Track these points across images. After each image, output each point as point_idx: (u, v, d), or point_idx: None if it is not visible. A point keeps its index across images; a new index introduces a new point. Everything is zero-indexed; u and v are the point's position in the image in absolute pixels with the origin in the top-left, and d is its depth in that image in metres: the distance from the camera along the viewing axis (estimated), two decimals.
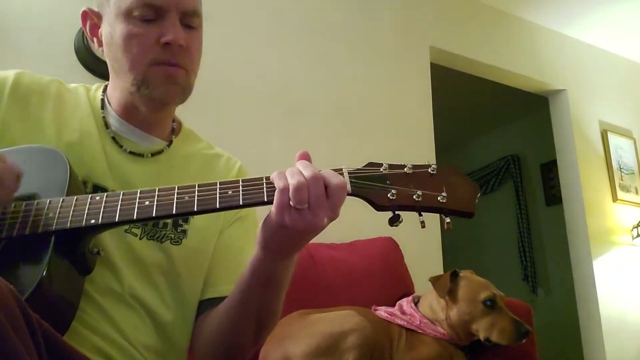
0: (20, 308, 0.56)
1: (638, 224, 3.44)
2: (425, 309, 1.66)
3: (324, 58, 2.69)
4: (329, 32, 2.75)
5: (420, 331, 1.62)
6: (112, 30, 0.91)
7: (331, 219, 0.75)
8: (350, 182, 0.78)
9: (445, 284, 1.60)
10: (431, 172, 0.80)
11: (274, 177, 0.75)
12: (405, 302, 1.72)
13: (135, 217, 0.76)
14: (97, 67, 2.08)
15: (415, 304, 1.71)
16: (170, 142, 1.01)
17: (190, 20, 0.93)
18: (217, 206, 0.76)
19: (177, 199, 0.77)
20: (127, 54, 0.90)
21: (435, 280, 1.63)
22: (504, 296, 1.62)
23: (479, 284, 1.63)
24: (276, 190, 0.73)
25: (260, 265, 0.83)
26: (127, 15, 0.89)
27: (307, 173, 0.73)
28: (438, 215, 0.79)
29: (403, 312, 1.67)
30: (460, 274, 1.65)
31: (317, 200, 0.72)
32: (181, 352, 0.97)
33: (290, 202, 0.72)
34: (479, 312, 1.56)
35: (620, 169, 3.63)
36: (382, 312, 1.68)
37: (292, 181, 0.72)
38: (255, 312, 0.89)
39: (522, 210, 4.66)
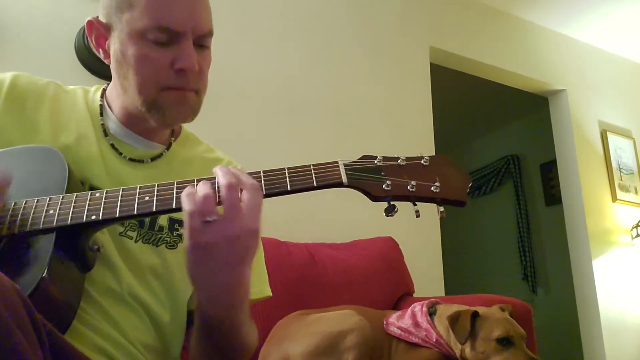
0: (25, 306, 0.56)
1: (637, 224, 3.45)
2: (442, 329, 1.56)
3: (324, 58, 2.70)
4: (329, 32, 2.75)
5: (435, 349, 1.54)
6: (122, 48, 0.89)
7: (250, 231, 0.71)
8: (346, 173, 0.79)
9: (465, 327, 1.49)
10: (424, 163, 0.81)
11: (181, 197, 0.71)
12: (420, 313, 1.60)
13: (135, 213, 0.77)
14: (97, 68, 2.08)
15: (431, 314, 1.60)
16: (169, 146, 1.01)
17: (203, 41, 0.92)
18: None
19: (176, 193, 0.77)
20: (138, 76, 0.89)
21: (453, 322, 1.52)
22: (524, 334, 1.52)
23: (495, 321, 1.52)
24: (186, 216, 0.70)
25: (200, 312, 0.80)
26: (141, 37, 0.87)
27: (220, 180, 0.71)
28: (436, 213, 0.80)
29: (417, 325, 1.58)
30: (480, 313, 1.54)
31: (230, 207, 0.70)
32: (177, 352, 0.96)
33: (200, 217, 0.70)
34: (492, 350, 1.47)
35: (620, 169, 3.63)
36: (394, 328, 1.60)
37: (199, 192, 0.70)
38: (217, 349, 0.86)
39: (522, 210, 4.66)
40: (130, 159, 0.95)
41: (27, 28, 2.08)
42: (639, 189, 3.69)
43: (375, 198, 0.79)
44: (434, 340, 1.55)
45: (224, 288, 0.76)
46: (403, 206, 0.80)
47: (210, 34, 0.93)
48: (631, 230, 3.48)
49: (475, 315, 1.53)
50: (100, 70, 2.07)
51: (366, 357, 1.47)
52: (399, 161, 0.81)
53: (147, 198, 0.77)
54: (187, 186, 0.76)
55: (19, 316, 0.55)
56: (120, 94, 0.95)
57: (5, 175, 0.76)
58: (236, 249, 0.72)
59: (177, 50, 0.88)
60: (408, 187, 0.78)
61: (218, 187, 0.72)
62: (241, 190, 0.73)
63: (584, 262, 3.32)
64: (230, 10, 2.48)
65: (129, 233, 0.91)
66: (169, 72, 0.88)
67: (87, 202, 0.78)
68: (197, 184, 0.74)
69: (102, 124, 0.96)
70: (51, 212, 0.77)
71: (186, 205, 0.70)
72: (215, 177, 0.76)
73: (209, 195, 0.70)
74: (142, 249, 0.91)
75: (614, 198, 3.53)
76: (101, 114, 0.97)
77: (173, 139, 1.02)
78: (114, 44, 0.91)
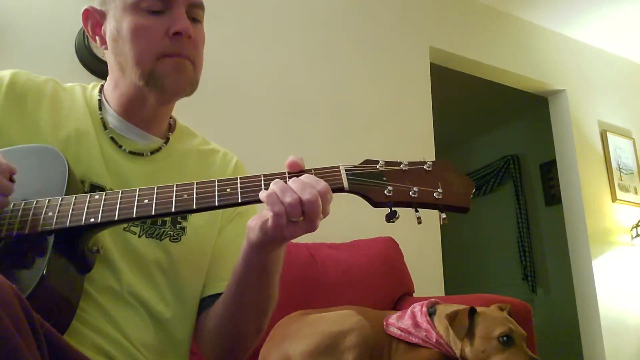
0: (22, 307, 0.56)
1: (637, 224, 3.44)
2: (442, 328, 1.55)
3: (324, 58, 2.70)
4: (329, 32, 2.75)
5: (435, 349, 1.54)
6: (118, 24, 0.91)
7: (324, 217, 0.78)
8: (348, 179, 0.79)
9: (463, 323, 1.50)
10: (427, 168, 0.81)
11: (264, 198, 0.76)
12: (420, 313, 1.60)
13: (134, 216, 0.77)
14: (97, 68, 2.08)
15: (431, 314, 1.60)
16: (167, 140, 1.01)
17: (195, 13, 0.95)
18: (216, 204, 0.77)
19: (176, 197, 0.77)
20: (134, 46, 0.90)
21: (451, 319, 1.52)
22: (525, 334, 1.52)
23: (495, 319, 1.52)
24: (272, 214, 0.75)
25: (253, 256, 0.84)
26: (135, 7, 0.90)
27: (302, 193, 0.74)
28: (437, 214, 0.80)
29: (417, 325, 1.58)
30: (478, 310, 1.54)
31: (312, 213, 0.74)
32: (182, 350, 0.97)
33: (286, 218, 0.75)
34: (493, 348, 1.47)
35: (620, 169, 3.63)
36: (394, 329, 1.60)
37: (285, 199, 0.74)
38: (254, 300, 0.91)
39: (521, 210, 4.66)
40: (130, 152, 0.96)
41: (27, 28, 2.08)
42: (639, 189, 3.68)
43: (376, 204, 0.79)
44: (434, 340, 1.54)
45: (279, 248, 0.86)
46: (404, 208, 0.79)
47: (201, 6, 0.96)
48: (631, 230, 3.47)
49: (473, 312, 1.52)
50: (100, 70, 2.07)
51: (366, 357, 1.47)
52: (401, 166, 0.81)
53: (146, 201, 0.77)
54: (185, 191, 0.77)
55: (16, 317, 0.55)
56: (117, 79, 0.96)
57: (9, 165, 0.77)
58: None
59: (171, 17, 0.90)
60: (410, 193, 0.78)
61: (301, 200, 0.74)
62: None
63: (584, 262, 3.32)
64: (230, 11, 2.48)
65: (133, 228, 0.92)
66: (164, 39, 0.90)
67: (86, 204, 0.78)
68: (274, 185, 0.76)
69: (102, 118, 0.97)
70: (50, 214, 0.77)
71: (275, 207, 0.74)
72: (284, 174, 0.80)
73: (295, 204, 0.74)
74: (146, 243, 0.92)
75: (614, 198, 3.53)
76: (100, 109, 0.97)
77: (170, 132, 1.03)
78: (110, 25, 0.93)
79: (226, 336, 0.95)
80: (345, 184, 0.78)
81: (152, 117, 0.98)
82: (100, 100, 0.98)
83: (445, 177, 0.80)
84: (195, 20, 0.95)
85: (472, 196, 0.81)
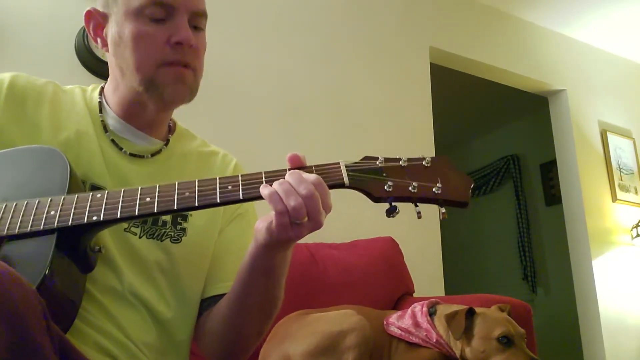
0: (43, 312, 0.57)
1: (637, 223, 3.45)
2: (442, 329, 1.56)
3: (324, 58, 2.70)
4: (329, 32, 2.76)
5: (435, 349, 1.54)
6: (120, 29, 0.91)
7: (322, 222, 0.78)
8: (348, 175, 0.79)
9: (460, 324, 1.50)
10: (425, 164, 0.82)
11: (266, 196, 0.75)
12: (420, 313, 1.61)
13: (137, 213, 0.77)
14: (97, 68, 2.09)
15: (431, 314, 1.60)
16: (167, 142, 1.02)
17: (198, 21, 0.94)
18: (218, 201, 0.78)
19: (177, 194, 0.78)
20: (136, 53, 0.90)
21: (450, 319, 1.53)
22: (524, 334, 1.52)
23: (495, 320, 1.52)
24: (275, 213, 0.75)
25: (260, 258, 0.84)
26: (137, 14, 0.90)
27: (302, 191, 0.74)
28: (438, 215, 0.80)
29: (417, 325, 1.58)
30: (478, 311, 1.54)
31: (316, 212, 0.74)
32: (182, 350, 0.98)
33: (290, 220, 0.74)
34: (493, 349, 1.47)
35: (620, 169, 3.63)
36: (395, 328, 1.60)
37: (289, 203, 0.73)
38: (258, 301, 0.91)
39: (522, 210, 4.66)
40: (131, 154, 0.96)
41: (27, 28, 2.08)
42: (639, 189, 3.69)
43: (376, 199, 0.79)
44: (434, 340, 1.54)
45: (285, 250, 0.85)
46: (404, 206, 0.80)
47: (204, 14, 0.95)
48: (631, 230, 3.48)
49: (471, 312, 1.53)
50: (100, 70, 2.07)
51: (366, 356, 1.47)
52: (400, 162, 0.81)
53: (148, 199, 0.78)
54: (187, 188, 0.77)
55: (39, 320, 0.56)
56: (118, 81, 0.96)
57: None
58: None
59: (172, 26, 0.90)
60: (410, 188, 0.79)
61: (297, 192, 0.74)
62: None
63: (584, 262, 3.33)
64: (230, 11, 2.48)
65: (133, 229, 0.92)
66: (165, 47, 0.90)
67: (89, 202, 0.78)
68: (274, 184, 0.76)
69: (102, 120, 0.97)
70: (52, 212, 0.77)
71: (277, 206, 0.74)
72: (283, 173, 0.79)
73: (300, 207, 0.74)
74: (147, 244, 0.92)
75: (614, 198, 3.53)
76: (100, 111, 0.98)
77: (170, 134, 1.03)
78: (111, 28, 0.93)
79: (228, 337, 0.96)
80: (346, 180, 0.79)
81: (152, 120, 0.98)
82: (100, 103, 0.99)
83: (444, 172, 0.81)
84: (198, 28, 0.95)
85: (471, 193, 0.82)
